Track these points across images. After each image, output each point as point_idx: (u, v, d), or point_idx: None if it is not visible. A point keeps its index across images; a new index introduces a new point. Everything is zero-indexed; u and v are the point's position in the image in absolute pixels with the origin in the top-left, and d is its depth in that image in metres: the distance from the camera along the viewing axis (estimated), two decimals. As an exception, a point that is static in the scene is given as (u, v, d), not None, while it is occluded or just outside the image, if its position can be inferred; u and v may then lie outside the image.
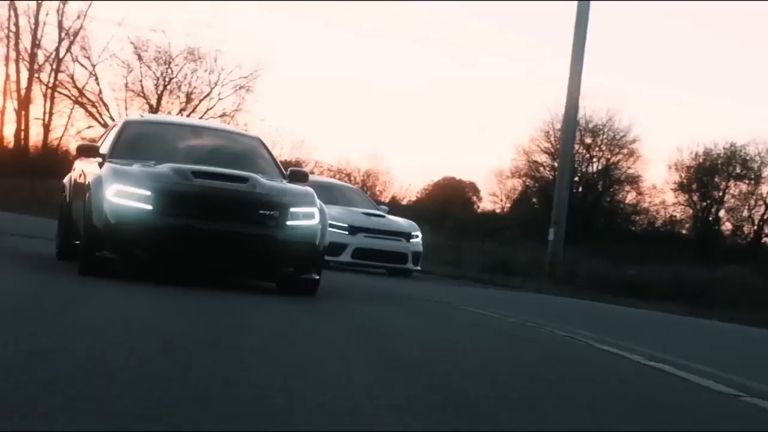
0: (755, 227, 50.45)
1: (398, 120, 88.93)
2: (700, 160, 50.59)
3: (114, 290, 10.48)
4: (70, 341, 6.51)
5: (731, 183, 50.90)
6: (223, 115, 52.74)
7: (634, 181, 50.86)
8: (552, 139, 48.47)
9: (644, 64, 79.93)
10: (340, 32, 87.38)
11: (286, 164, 18.57)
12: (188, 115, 51.90)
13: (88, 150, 13.16)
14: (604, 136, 50.52)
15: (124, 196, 11.39)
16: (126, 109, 52.66)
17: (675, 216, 51.50)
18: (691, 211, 51.21)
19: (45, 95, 54.08)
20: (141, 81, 53.40)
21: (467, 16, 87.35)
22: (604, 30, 77.82)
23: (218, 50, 51.91)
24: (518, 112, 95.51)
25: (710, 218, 50.31)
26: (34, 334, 6.67)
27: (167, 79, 53.00)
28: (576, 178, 47.94)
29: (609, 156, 50.75)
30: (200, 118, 51.80)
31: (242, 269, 12.04)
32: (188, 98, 52.86)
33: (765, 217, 50.48)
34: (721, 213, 51.04)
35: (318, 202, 12.00)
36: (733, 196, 50.77)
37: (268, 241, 11.53)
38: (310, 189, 12.33)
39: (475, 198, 62.51)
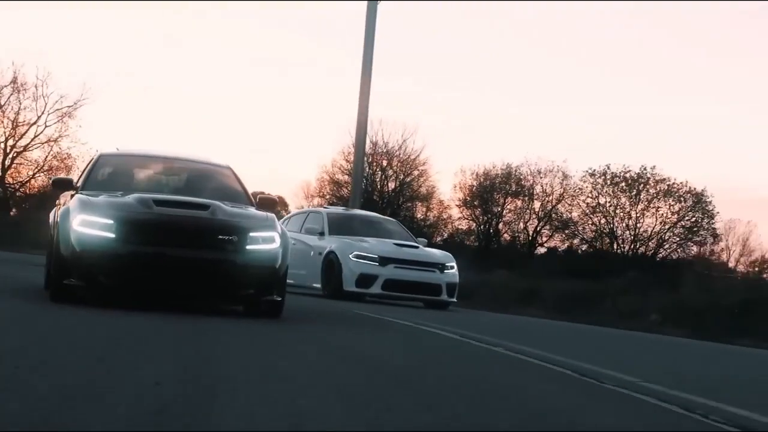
0: (529, 238, 51.56)
1: (211, 130, 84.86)
2: (481, 180, 51.53)
3: (72, 314, 9.83)
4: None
5: (508, 199, 52.03)
6: (48, 141, 50.88)
7: (425, 198, 51.39)
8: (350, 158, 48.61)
9: (433, 89, 78.82)
10: (153, 43, 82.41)
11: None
12: (16, 142, 50.38)
13: (63, 183, 12.58)
14: (398, 158, 50.89)
15: (89, 225, 10.84)
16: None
17: (461, 228, 52.32)
18: (474, 224, 52.14)
19: None
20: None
21: (279, 26, 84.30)
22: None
23: (43, 80, 49.78)
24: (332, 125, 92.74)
25: (491, 230, 51.20)
26: None
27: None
28: (376, 197, 48.28)
29: (402, 176, 51.02)
30: (26, 145, 50.39)
31: (203, 293, 11.35)
32: (14, 125, 50.55)
33: (537, 228, 51.84)
34: (501, 225, 52.00)
35: (279, 226, 11.49)
36: (510, 210, 51.90)
37: (227, 265, 11.01)
38: (271, 214, 11.86)
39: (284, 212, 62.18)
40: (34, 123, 50.71)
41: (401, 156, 50.94)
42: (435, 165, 77.16)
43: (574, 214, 51.80)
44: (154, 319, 9.92)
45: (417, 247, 20.14)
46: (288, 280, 20.11)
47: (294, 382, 6.17)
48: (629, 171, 52.37)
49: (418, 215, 51.75)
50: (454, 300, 19.84)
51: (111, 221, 10.79)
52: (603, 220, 52.33)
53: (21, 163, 51.21)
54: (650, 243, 52.31)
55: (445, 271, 19.67)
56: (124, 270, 10.82)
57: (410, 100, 76.39)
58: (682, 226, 53.42)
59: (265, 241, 11.10)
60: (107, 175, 12.64)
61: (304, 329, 10.89)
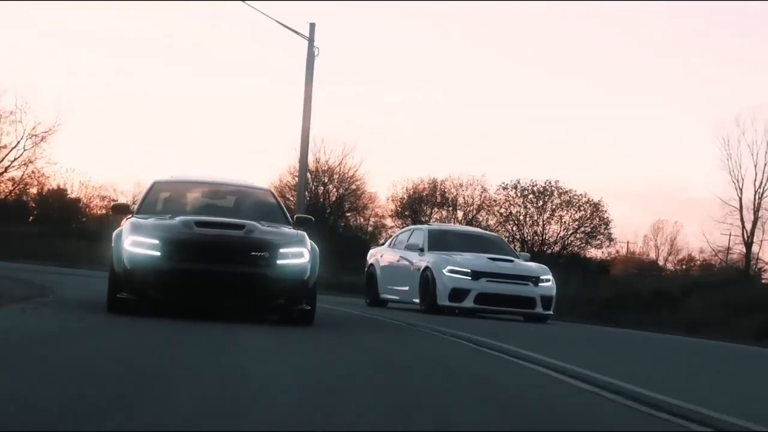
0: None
1: (165, 141, 79.39)
2: (410, 192, 51.89)
3: (122, 324, 10.00)
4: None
5: (435, 210, 52.35)
6: (25, 162, 50.31)
7: (363, 209, 51.52)
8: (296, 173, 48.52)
9: (372, 104, 77.21)
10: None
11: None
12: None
13: (121, 208, 12.61)
14: (338, 174, 51.07)
15: (138, 245, 10.99)
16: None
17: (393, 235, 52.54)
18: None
19: None
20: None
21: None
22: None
23: (21, 108, 49.18)
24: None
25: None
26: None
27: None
28: (319, 209, 48.43)
29: (342, 190, 51.11)
30: (7, 167, 49.83)
31: (238, 303, 11.46)
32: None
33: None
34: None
35: (308, 242, 11.48)
36: (437, 219, 52.11)
37: (259, 278, 11.11)
38: (301, 232, 11.83)
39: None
40: (14, 147, 50.10)
41: (341, 171, 51.04)
42: (372, 179, 77.64)
43: (491, 222, 52.31)
44: (196, 326, 10.07)
45: (512, 261, 18.31)
46: (392, 296, 19.51)
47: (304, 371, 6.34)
48: (536, 184, 53.09)
49: (359, 223, 51.62)
50: (551, 313, 17.91)
51: (157, 241, 10.94)
52: (515, 227, 52.96)
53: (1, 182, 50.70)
54: (555, 246, 52.97)
55: (540, 284, 17.77)
56: (169, 284, 10.98)
57: (350, 116, 75.19)
58: (582, 231, 54.34)
59: (295, 256, 11.15)
60: (160, 200, 12.63)
61: (325, 333, 10.96)
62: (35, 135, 49.46)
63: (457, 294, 17.28)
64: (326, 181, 49.53)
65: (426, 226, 21.39)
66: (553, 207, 53.80)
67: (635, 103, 74.92)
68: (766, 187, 44.70)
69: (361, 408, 5.25)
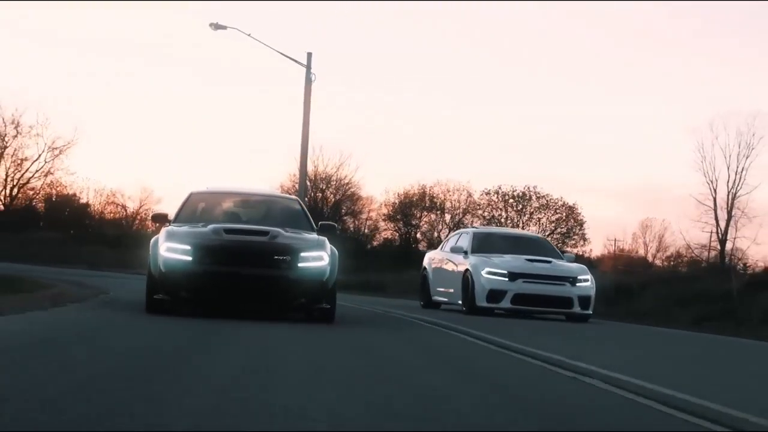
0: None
1: (168, 145, 77.23)
2: (402, 198, 52.11)
3: (156, 322, 10.20)
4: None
5: (424, 213, 52.67)
6: (46, 173, 50.55)
7: (358, 213, 51.71)
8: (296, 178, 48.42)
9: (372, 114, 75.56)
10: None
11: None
12: (21, 175, 49.89)
13: (159, 217, 12.61)
14: (335, 181, 51.27)
15: (172, 250, 11.18)
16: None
17: (388, 237, 52.72)
18: (397, 234, 52.60)
19: None
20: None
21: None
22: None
23: (42, 124, 49.38)
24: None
25: (410, 239, 51.74)
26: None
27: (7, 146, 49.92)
28: (318, 213, 48.67)
29: (338, 196, 51.25)
30: (30, 178, 50.03)
31: (262, 303, 11.57)
32: (19, 162, 50.13)
33: (447, 236, 52.38)
34: (418, 235, 52.61)
35: (328, 247, 11.61)
36: (426, 222, 52.58)
37: (281, 280, 11.25)
38: (322, 237, 11.92)
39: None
40: (36, 160, 50.25)
41: (338, 178, 51.26)
42: (368, 179, 77.44)
43: (476, 226, 52.68)
44: (226, 324, 10.27)
45: (549, 262, 17.15)
46: (441, 298, 18.56)
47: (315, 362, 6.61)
48: (516, 190, 53.47)
49: (356, 225, 51.70)
50: (589, 312, 16.78)
51: (189, 247, 11.11)
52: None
53: (23, 192, 50.78)
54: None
55: (578, 284, 16.70)
56: (199, 286, 11.13)
57: (347, 117, 73.81)
58: (559, 232, 54.71)
59: (315, 260, 11.27)
60: (195, 209, 12.71)
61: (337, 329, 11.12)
62: (55, 148, 49.69)
63: (495, 295, 16.45)
64: (324, 187, 49.70)
65: (472, 229, 20.42)
66: (532, 210, 54.19)
67: (625, 104, 73.32)
68: (738, 188, 45.07)
69: (346, 384, 5.90)
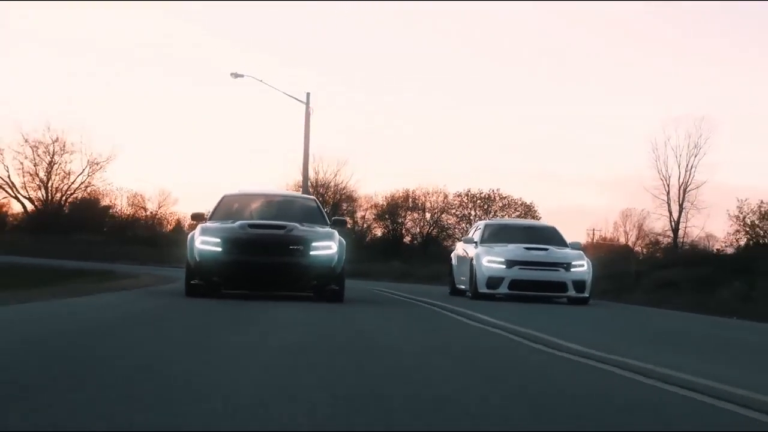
0: (424, 238, 52.15)
1: (180, 148, 71.64)
2: (388, 200, 52.37)
3: (200, 304, 10.38)
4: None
5: (408, 213, 52.84)
6: (87, 185, 50.65)
7: (352, 213, 51.68)
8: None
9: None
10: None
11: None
12: (68, 187, 49.96)
13: (197, 216, 12.69)
14: (333, 186, 51.39)
15: (205, 243, 11.43)
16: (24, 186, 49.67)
17: (377, 234, 52.76)
18: (385, 230, 52.73)
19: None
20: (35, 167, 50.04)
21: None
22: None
23: (85, 142, 49.43)
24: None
25: (397, 234, 51.84)
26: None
27: (52, 165, 49.86)
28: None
29: (335, 200, 51.22)
30: (77, 188, 50.10)
31: (280, 286, 11.82)
32: (65, 176, 50.24)
33: (429, 231, 52.60)
34: (404, 231, 52.65)
35: (337, 238, 11.79)
36: (411, 221, 52.75)
37: (295, 266, 11.48)
38: (331, 230, 12.07)
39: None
40: (80, 173, 50.28)
41: (335, 183, 51.44)
42: (364, 175, 76.39)
43: (451, 222, 53.10)
44: (251, 303, 10.49)
45: (546, 249, 15.87)
46: (461, 286, 16.98)
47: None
48: (482, 192, 53.73)
49: (353, 221, 51.51)
50: (586, 295, 15.44)
51: (219, 240, 11.37)
52: (467, 226, 53.44)
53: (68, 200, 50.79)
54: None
55: (572, 269, 15.48)
56: (228, 272, 11.39)
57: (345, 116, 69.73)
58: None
59: (324, 249, 11.49)
60: (228, 208, 12.76)
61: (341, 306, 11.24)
62: (96, 163, 49.67)
63: (493, 281, 15.42)
64: (323, 191, 49.74)
65: (485, 221, 19.05)
66: (495, 209, 54.35)
67: (613, 104, 68.56)
68: (688, 184, 45.25)
69: (334, 346, 6.23)
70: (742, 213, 38.55)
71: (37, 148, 49.00)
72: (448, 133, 70.47)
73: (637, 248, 50.07)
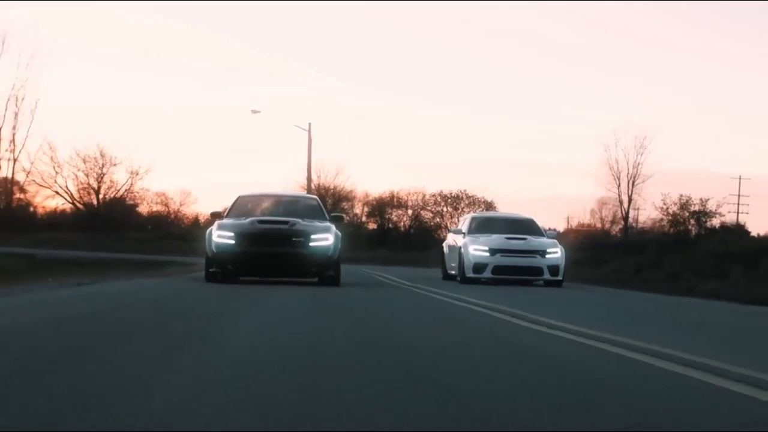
0: (406, 230, 51.61)
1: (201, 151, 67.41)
2: (377, 200, 52.00)
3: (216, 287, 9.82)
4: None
5: (394, 210, 52.42)
6: (129, 191, 49.77)
7: (348, 211, 51.10)
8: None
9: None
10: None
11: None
12: (115, 194, 49.10)
13: (216, 214, 12.03)
14: (331, 190, 50.61)
15: (221, 237, 10.85)
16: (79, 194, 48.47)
17: (369, 227, 52.18)
18: (375, 224, 52.30)
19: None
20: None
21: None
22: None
23: (128, 157, 48.48)
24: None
25: (385, 227, 51.41)
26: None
27: (102, 177, 48.87)
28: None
29: (335, 199, 50.54)
30: (122, 195, 49.27)
31: (284, 273, 11.20)
32: (111, 185, 49.36)
33: (411, 225, 52.15)
34: (390, 226, 52.11)
35: (333, 231, 11.18)
36: (396, 216, 52.41)
37: (297, 256, 10.91)
38: (329, 224, 11.44)
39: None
40: (125, 184, 49.34)
41: (334, 185, 50.86)
42: (365, 180, 75.01)
43: (428, 217, 52.65)
44: (260, 288, 9.90)
45: (525, 239, 14.88)
46: (451, 272, 15.84)
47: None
48: (452, 192, 53.28)
49: (350, 217, 50.85)
50: (559, 278, 14.45)
51: (232, 234, 10.81)
52: (440, 221, 53.04)
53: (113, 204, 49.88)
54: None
55: (547, 256, 14.52)
56: (239, 261, 10.81)
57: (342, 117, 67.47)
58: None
59: (322, 240, 10.91)
60: (241, 207, 12.03)
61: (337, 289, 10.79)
62: (137, 173, 48.78)
63: (479, 267, 14.48)
64: (324, 194, 49.09)
65: (472, 214, 17.81)
66: (463, 207, 53.84)
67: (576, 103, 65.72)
68: (635, 180, 44.80)
69: (333, 318, 6.15)
70: (665, 204, 38.46)
71: (88, 162, 48.20)
72: (438, 132, 67.07)
73: (613, 233, 48.78)
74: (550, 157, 69.84)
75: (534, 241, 14.96)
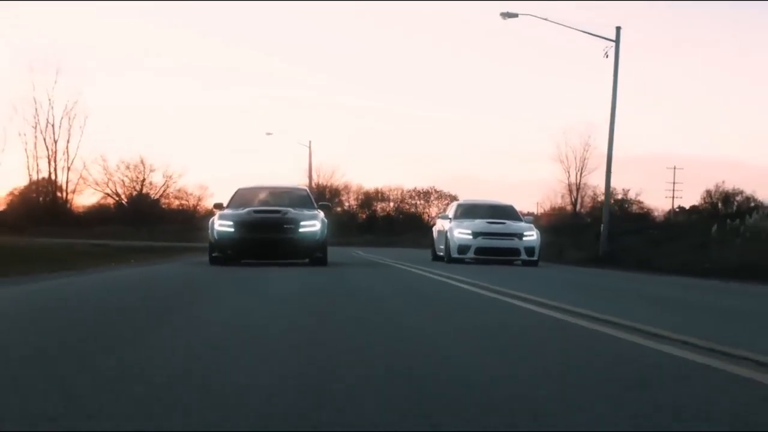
0: (392, 219, 50.49)
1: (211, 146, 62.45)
2: (365, 194, 51.36)
3: (218, 269, 8.99)
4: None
5: (379, 203, 51.72)
6: (165, 191, 48.44)
7: (344, 204, 50.29)
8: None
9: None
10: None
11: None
12: (154, 192, 47.73)
13: (218, 205, 11.12)
14: (328, 188, 49.71)
15: (222, 225, 10.08)
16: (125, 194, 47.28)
17: (362, 217, 51.06)
18: (364, 215, 51.41)
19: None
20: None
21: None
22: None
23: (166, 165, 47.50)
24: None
25: (372, 217, 50.55)
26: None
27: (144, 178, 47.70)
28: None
29: (332, 196, 49.45)
30: (159, 196, 47.98)
31: (278, 256, 10.41)
32: (151, 187, 48.29)
33: (395, 214, 51.38)
34: (376, 215, 51.14)
35: (320, 218, 10.38)
36: (382, 209, 51.53)
37: (289, 241, 10.16)
38: (317, 211, 10.62)
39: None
40: (162, 186, 48.25)
41: (331, 183, 50.06)
42: (363, 176, 72.21)
43: (406, 208, 51.90)
44: (259, 268, 9.11)
45: (504, 223, 13.76)
46: (440, 253, 14.70)
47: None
48: (423, 189, 52.70)
49: (347, 206, 49.87)
50: (535, 258, 13.30)
51: (231, 222, 10.09)
52: (416, 211, 52.27)
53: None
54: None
55: (524, 238, 13.41)
56: (238, 247, 10.11)
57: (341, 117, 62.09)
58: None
59: (310, 226, 10.18)
60: (240, 199, 11.17)
61: (323, 268, 9.96)
62: (171, 177, 47.74)
63: (462, 249, 13.43)
64: (323, 191, 48.15)
65: (457, 201, 16.39)
66: (432, 200, 53.10)
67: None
68: (582, 173, 44.06)
69: (320, 291, 5.68)
70: (595, 194, 38.00)
71: (132, 169, 47.08)
72: (438, 132, 62.43)
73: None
74: (529, 146, 64.80)
75: (512, 225, 13.91)
